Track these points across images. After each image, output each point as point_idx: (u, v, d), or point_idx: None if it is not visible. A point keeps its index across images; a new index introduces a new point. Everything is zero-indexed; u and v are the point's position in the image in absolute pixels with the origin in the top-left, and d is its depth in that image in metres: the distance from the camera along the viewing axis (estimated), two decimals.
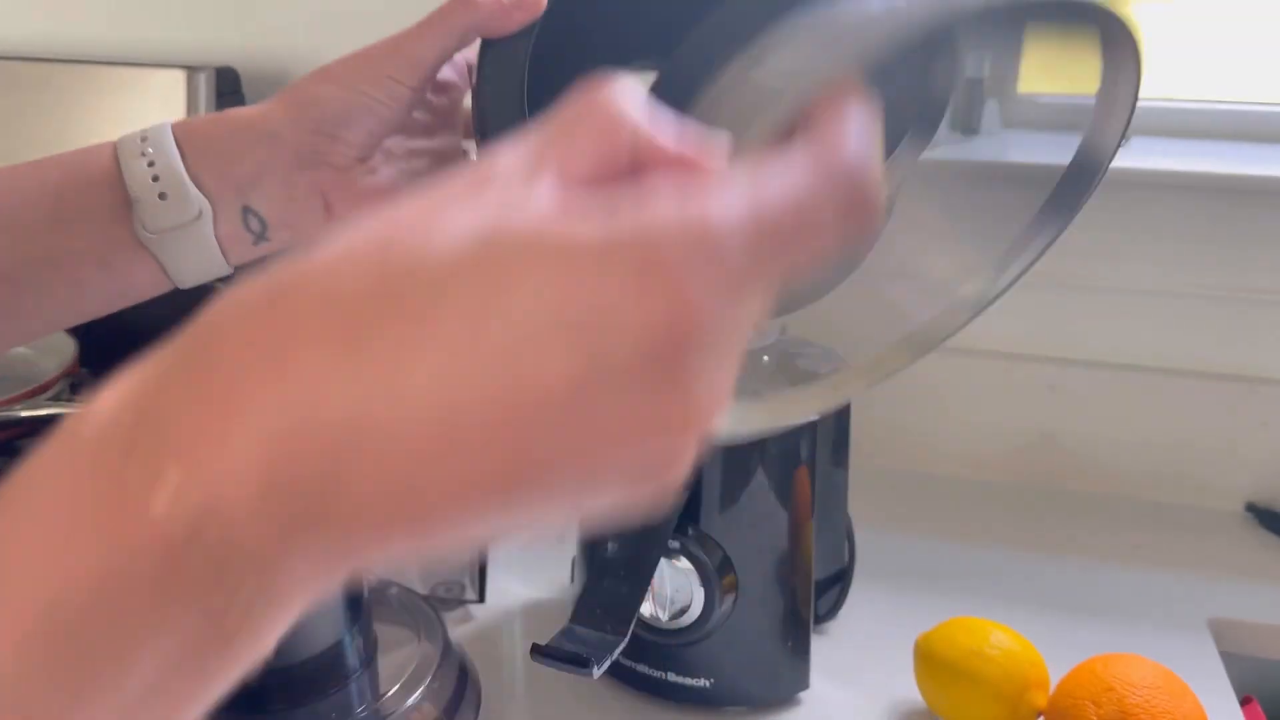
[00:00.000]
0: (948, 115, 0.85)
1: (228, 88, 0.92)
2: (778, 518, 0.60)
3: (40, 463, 0.21)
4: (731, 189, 0.19)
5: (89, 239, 0.39)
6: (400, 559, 0.20)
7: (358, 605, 0.55)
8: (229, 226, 0.41)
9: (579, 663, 0.49)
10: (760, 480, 0.59)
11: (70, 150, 0.41)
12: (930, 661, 0.61)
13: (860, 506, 0.71)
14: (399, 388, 0.18)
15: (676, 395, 0.19)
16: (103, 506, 0.19)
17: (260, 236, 0.43)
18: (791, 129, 0.22)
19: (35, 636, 0.18)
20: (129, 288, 0.42)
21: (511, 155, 0.20)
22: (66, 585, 0.19)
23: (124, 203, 0.39)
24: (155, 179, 0.39)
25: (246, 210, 0.41)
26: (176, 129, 0.40)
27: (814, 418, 0.45)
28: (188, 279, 0.43)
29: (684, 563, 0.59)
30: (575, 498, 0.20)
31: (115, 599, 0.19)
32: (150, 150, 0.39)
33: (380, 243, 0.19)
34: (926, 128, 0.44)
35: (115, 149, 0.40)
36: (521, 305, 0.18)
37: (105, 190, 0.39)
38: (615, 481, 0.20)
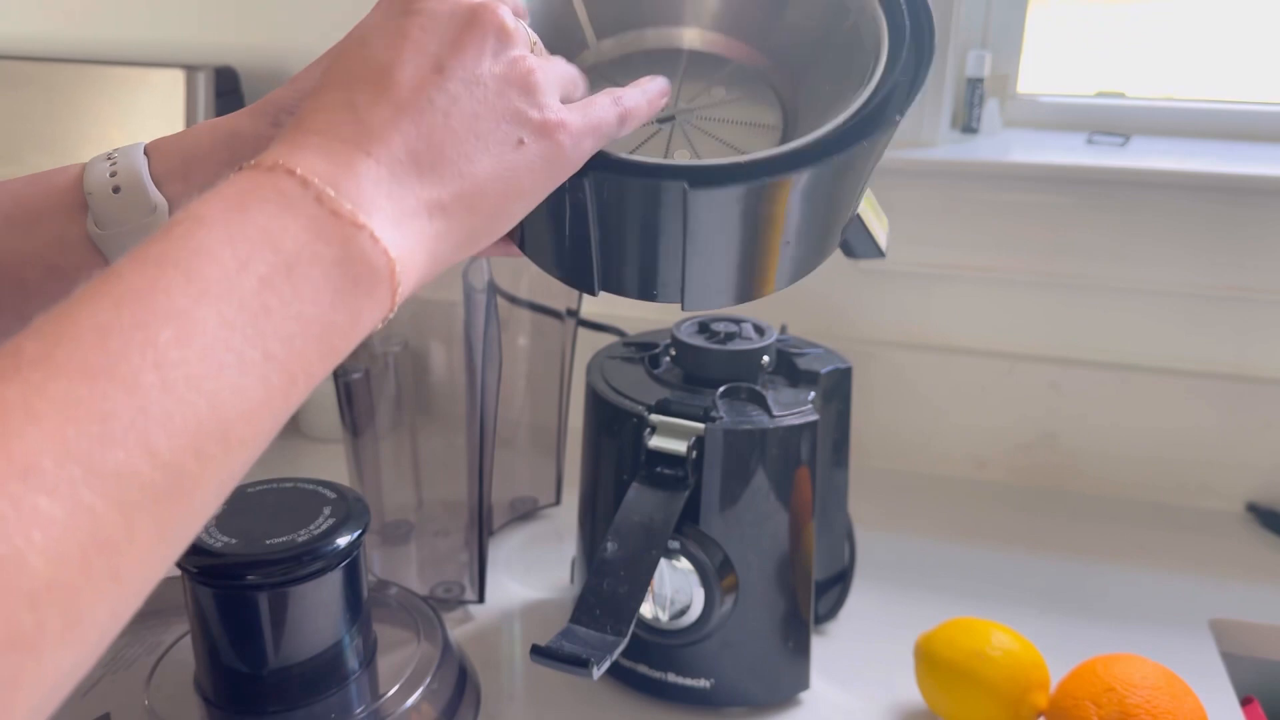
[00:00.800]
0: (948, 115, 0.85)
1: (227, 87, 0.92)
2: (778, 518, 0.60)
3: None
4: None
5: (40, 240, 0.39)
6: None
7: (357, 605, 0.55)
8: None
9: (579, 663, 0.48)
10: (760, 480, 0.59)
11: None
12: (931, 662, 0.61)
13: (861, 507, 0.71)
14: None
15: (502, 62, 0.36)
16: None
17: None
18: None
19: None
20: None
21: None
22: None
23: (80, 205, 0.40)
24: (113, 175, 0.40)
25: None
26: (148, 144, 0.41)
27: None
28: None
29: (684, 563, 0.59)
30: (505, 164, 0.36)
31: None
32: (116, 156, 0.40)
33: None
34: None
35: (83, 164, 0.41)
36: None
37: (64, 194, 0.40)
38: (509, 143, 0.36)
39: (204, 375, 0.26)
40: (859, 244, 0.55)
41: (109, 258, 0.39)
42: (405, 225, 0.32)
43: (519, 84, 0.36)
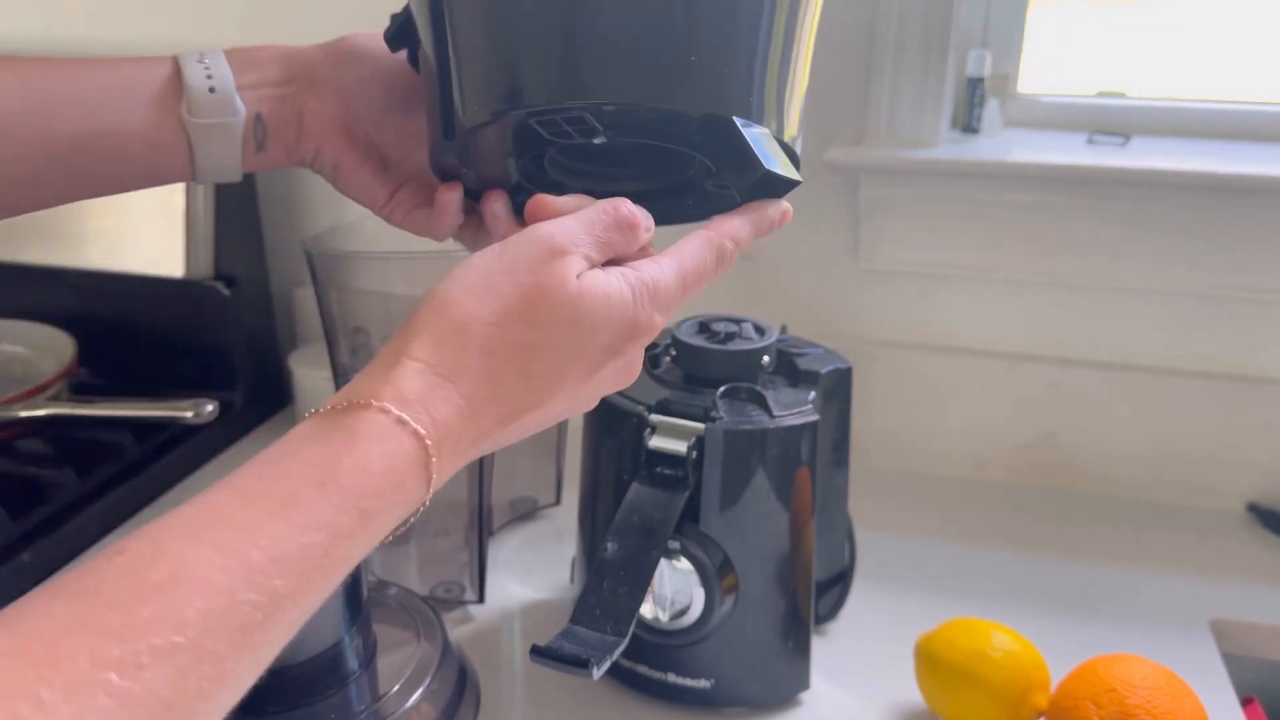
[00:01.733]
0: (948, 115, 0.85)
1: None
2: (778, 518, 0.60)
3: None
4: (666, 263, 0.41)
5: (144, 118, 0.47)
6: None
7: (357, 606, 0.55)
8: (245, 132, 0.49)
9: (579, 663, 0.48)
10: (761, 481, 0.59)
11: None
12: (931, 662, 0.61)
13: (861, 507, 0.71)
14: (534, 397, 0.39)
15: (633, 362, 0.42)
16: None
17: (260, 146, 0.50)
18: None
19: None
20: (160, 170, 0.48)
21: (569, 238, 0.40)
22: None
23: (176, 94, 0.47)
24: (209, 78, 0.47)
25: (257, 118, 0.49)
26: (227, 51, 0.49)
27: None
28: (208, 175, 0.49)
29: (684, 563, 0.59)
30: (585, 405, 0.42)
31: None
32: (208, 61, 0.48)
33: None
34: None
35: (175, 58, 0.48)
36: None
37: (165, 84, 0.47)
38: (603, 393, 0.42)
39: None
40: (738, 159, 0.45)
41: (193, 141, 0.47)
42: (462, 454, 0.38)
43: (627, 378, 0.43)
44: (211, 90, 0.47)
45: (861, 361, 0.78)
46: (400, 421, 0.35)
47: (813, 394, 0.62)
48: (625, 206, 0.41)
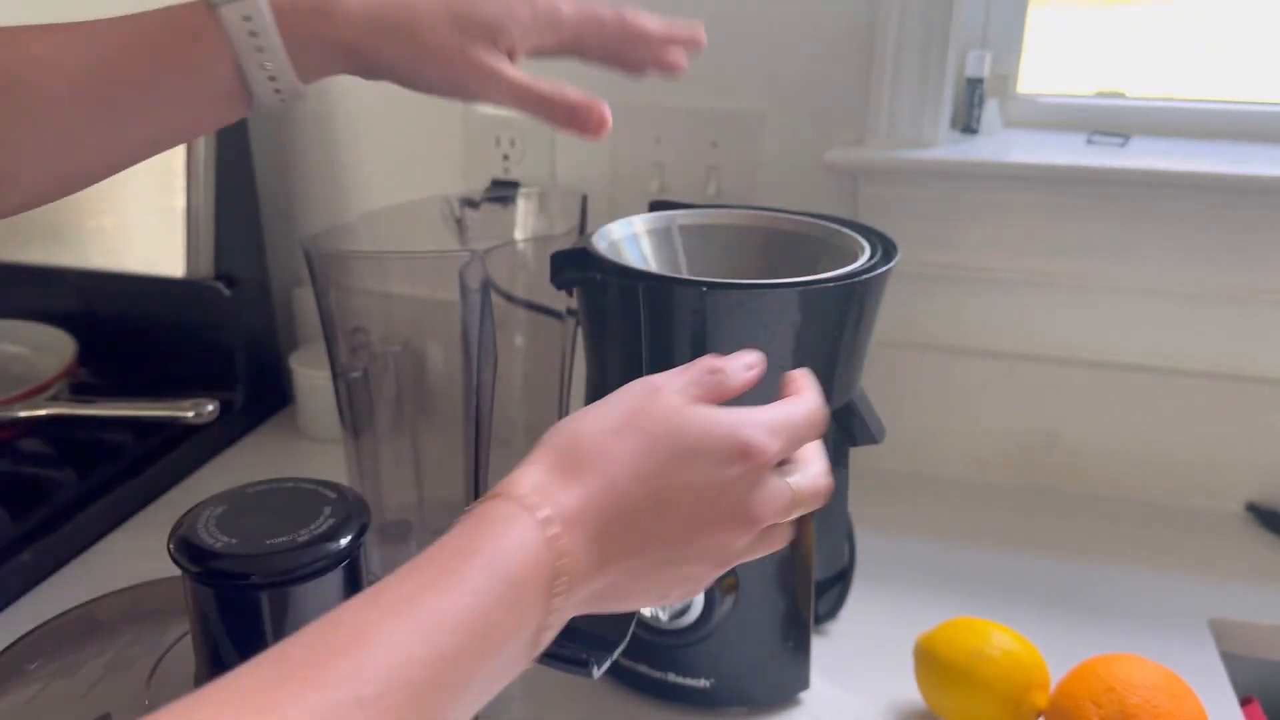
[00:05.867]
0: (948, 115, 0.85)
1: None
2: None
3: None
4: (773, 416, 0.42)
5: (213, 116, 0.50)
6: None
7: None
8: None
9: (579, 663, 0.48)
10: None
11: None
12: (931, 662, 0.61)
13: (861, 506, 0.71)
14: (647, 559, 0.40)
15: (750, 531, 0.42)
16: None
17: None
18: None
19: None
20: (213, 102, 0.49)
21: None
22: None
23: (244, 96, 0.49)
24: (272, 79, 0.48)
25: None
26: (282, 31, 0.48)
27: None
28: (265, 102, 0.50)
29: None
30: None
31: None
32: (268, 65, 0.48)
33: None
34: None
35: (232, 53, 0.48)
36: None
37: (229, 87, 0.48)
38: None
39: None
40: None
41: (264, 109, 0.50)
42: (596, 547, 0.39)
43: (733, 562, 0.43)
44: (278, 92, 0.49)
45: None
46: (525, 506, 0.37)
47: None
48: (717, 358, 0.44)
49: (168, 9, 0.48)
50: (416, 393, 0.75)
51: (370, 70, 0.51)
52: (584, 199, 0.79)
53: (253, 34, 0.47)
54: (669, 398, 0.41)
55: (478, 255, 0.64)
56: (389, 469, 0.75)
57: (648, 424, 0.40)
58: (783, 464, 0.43)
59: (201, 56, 0.47)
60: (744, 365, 0.45)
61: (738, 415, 0.41)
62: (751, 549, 0.43)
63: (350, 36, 0.49)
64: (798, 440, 0.43)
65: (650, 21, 0.55)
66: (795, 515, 0.44)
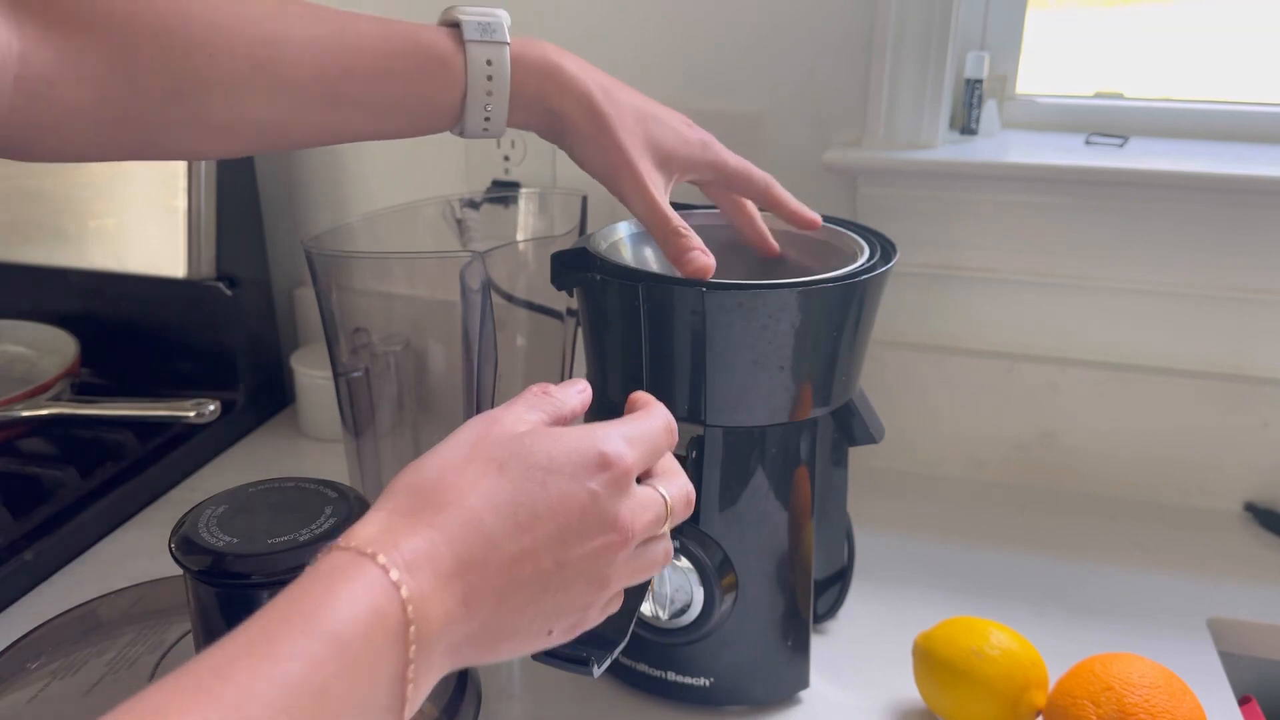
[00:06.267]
0: (946, 116, 0.85)
1: None
2: (777, 517, 0.60)
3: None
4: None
5: (426, 127, 0.54)
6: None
7: None
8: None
9: (579, 662, 0.49)
10: (760, 480, 0.59)
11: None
12: (929, 661, 0.61)
13: (860, 506, 0.71)
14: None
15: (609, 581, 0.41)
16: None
17: None
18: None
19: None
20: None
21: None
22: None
23: (458, 118, 0.54)
24: (486, 120, 0.54)
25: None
26: (514, 74, 0.54)
27: None
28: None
29: (684, 562, 0.59)
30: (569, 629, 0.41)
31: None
32: (489, 107, 0.54)
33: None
34: None
35: (463, 87, 0.53)
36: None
37: (450, 112, 0.54)
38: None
39: None
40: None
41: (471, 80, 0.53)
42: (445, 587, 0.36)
43: (607, 604, 0.42)
44: (485, 129, 0.54)
45: None
46: (360, 554, 0.34)
47: None
48: (545, 385, 0.44)
49: (421, 27, 0.53)
50: (417, 392, 0.75)
51: (556, 138, 0.57)
52: (584, 200, 0.80)
53: (489, 78, 0.53)
54: (510, 424, 0.40)
55: (478, 256, 0.65)
56: (389, 468, 0.75)
57: (493, 450, 0.38)
58: (645, 477, 0.43)
59: (440, 82, 0.52)
60: (576, 390, 0.45)
61: (589, 428, 0.40)
62: (631, 565, 0.41)
63: (560, 105, 0.55)
64: (655, 451, 0.43)
65: (787, 196, 0.62)
66: (669, 527, 0.43)
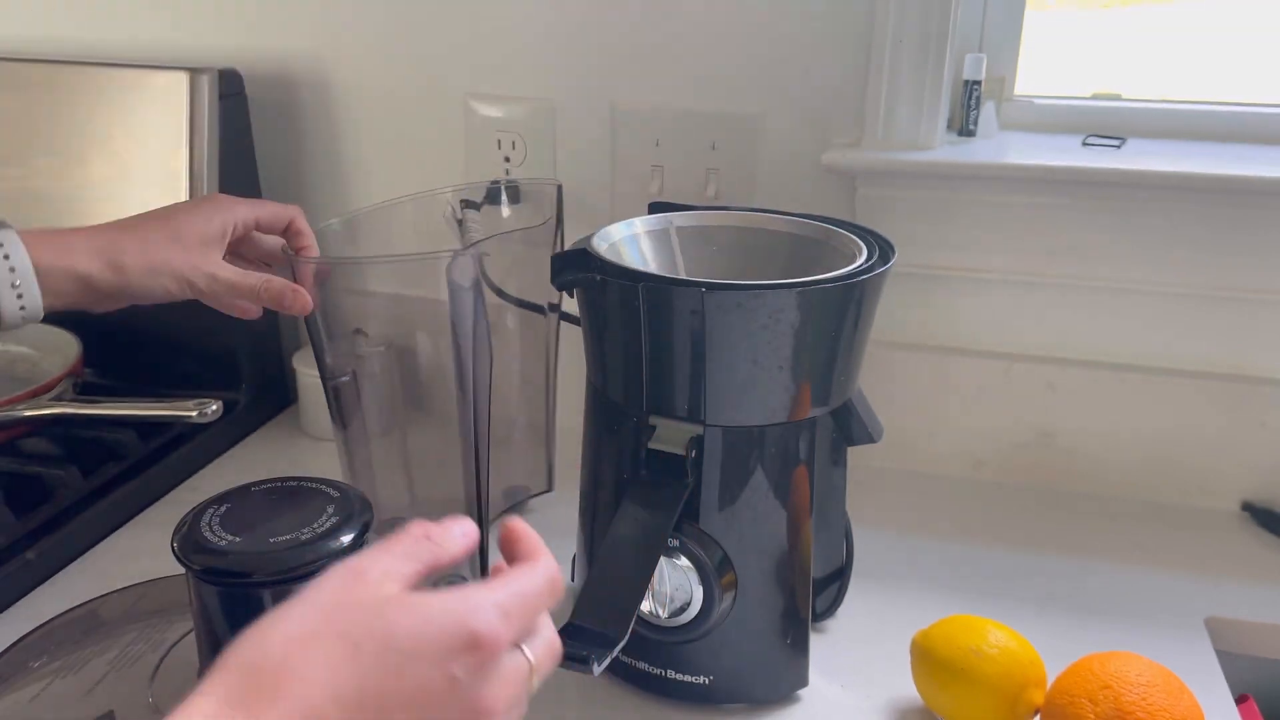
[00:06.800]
0: (944, 118, 0.85)
1: (230, 89, 0.92)
2: (777, 517, 0.61)
3: None
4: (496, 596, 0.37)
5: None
6: None
7: None
8: None
9: (579, 660, 0.49)
10: (759, 479, 0.60)
11: None
12: (928, 659, 0.61)
13: (858, 506, 0.71)
14: None
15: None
16: None
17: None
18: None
19: None
20: None
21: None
22: None
23: None
24: (22, 309, 0.62)
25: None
26: (36, 263, 0.62)
27: None
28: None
29: (683, 561, 0.59)
30: None
31: None
32: (19, 286, 0.61)
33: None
34: None
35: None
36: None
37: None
38: None
39: None
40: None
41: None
42: None
43: None
44: (23, 320, 0.61)
45: None
46: None
47: None
48: (428, 524, 0.40)
49: None
50: (405, 391, 0.75)
51: (106, 296, 0.64)
52: (559, 189, 0.79)
53: (11, 270, 0.59)
54: (375, 587, 0.36)
55: (466, 253, 0.65)
56: (381, 468, 0.75)
57: (348, 625, 0.34)
58: None
59: None
60: (460, 532, 0.40)
61: (462, 600, 0.36)
62: None
63: (82, 264, 0.62)
64: (533, 616, 0.39)
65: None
66: (535, 687, 0.39)
